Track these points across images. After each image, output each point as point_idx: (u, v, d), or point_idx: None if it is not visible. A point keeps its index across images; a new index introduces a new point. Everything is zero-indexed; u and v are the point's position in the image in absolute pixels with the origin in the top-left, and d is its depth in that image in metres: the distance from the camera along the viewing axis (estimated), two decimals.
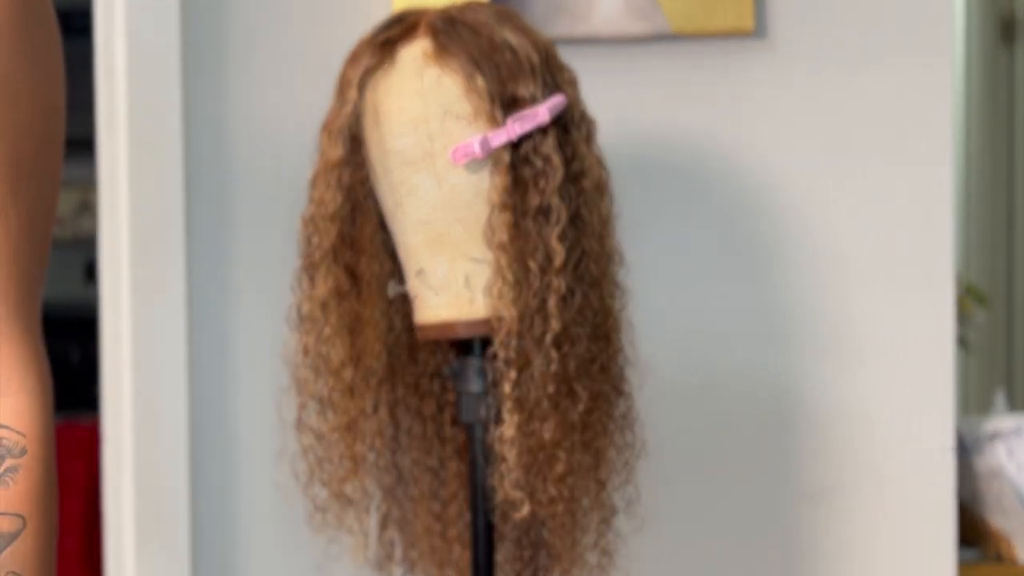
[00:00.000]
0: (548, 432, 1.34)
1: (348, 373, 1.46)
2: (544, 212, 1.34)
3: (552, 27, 1.94)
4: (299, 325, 1.47)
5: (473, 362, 1.42)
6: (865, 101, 2.00)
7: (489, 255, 1.35)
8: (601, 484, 1.42)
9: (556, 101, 1.35)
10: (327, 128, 1.43)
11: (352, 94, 1.41)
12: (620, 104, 1.94)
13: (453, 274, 1.38)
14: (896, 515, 2.04)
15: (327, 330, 1.45)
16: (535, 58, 1.35)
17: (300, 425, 1.48)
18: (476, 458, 1.43)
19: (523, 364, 1.34)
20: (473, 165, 1.35)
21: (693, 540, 2.05)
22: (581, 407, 1.35)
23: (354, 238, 1.45)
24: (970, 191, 3.86)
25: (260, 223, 1.87)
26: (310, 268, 1.45)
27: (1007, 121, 3.86)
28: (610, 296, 1.40)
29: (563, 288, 1.33)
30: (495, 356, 1.35)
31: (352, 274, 1.45)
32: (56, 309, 1.77)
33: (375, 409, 1.47)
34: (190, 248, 1.94)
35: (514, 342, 1.33)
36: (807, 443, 2.03)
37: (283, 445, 1.54)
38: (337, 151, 1.41)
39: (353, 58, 1.43)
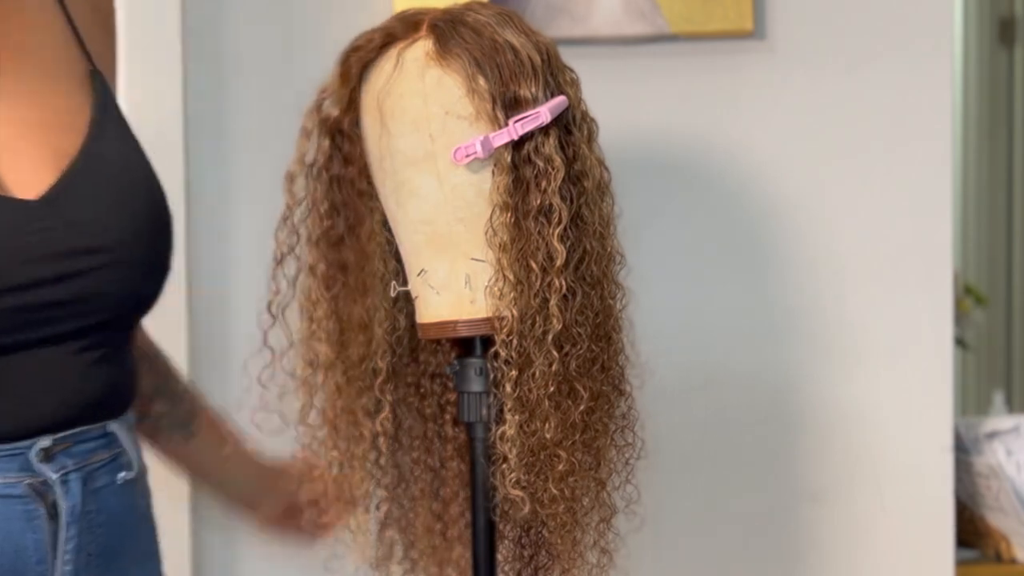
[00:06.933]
0: (549, 431, 1.34)
1: (354, 373, 1.46)
2: (545, 212, 1.33)
3: (552, 28, 1.95)
4: (302, 325, 1.47)
5: (474, 362, 1.42)
6: (864, 101, 2.00)
7: (490, 255, 1.35)
8: (601, 483, 1.42)
9: (557, 102, 1.35)
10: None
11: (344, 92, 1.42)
12: (620, 105, 1.95)
13: (454, 274, 1.38)
14: (895, 515, 2.04)
15: (332, 330, 1.46)
16: (537, 59, 1.35)
17: (304, 425, 1.49)
18: (477, 457, 1.43)
19: (524, 364, 1.34)
20: (474, 165, 1.35)
21: (693, 540, 2.06)
22: (582, 407, 1.35)
23: (348, 236, 1.46)
24: (969, 191, 3.87)
25: (260, 222, 1.87)
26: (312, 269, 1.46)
27: (1006, 121, 3.86)
28: (611, 296, 1.40)
29: (564, 288, 1.33)
30: (496, 356, 1.35)
31: (358, 275, 1.46)
32: None
33: (378, 408, 1.47)
34: (190, 247, 1.95)
35: (515, 341, 1.33)
36: (807, 443, 2.03)
37: (286, 444, 1.54)
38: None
39: (353, 50, 1.42)
